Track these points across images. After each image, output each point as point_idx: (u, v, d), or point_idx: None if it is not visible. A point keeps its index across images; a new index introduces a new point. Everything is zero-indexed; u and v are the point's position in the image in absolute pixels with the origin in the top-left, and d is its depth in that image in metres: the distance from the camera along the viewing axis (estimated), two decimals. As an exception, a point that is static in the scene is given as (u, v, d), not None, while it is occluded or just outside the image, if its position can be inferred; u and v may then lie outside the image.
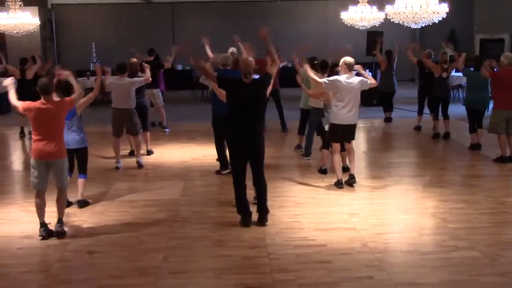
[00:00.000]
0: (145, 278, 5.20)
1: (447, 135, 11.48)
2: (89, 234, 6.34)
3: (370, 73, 17.94)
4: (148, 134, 10.37)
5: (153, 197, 7.71)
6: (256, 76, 6.68)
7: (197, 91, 19.35)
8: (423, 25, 13.06)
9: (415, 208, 7.14)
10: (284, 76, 14.54)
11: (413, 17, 12.39)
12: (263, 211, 6.54)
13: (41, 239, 6.13)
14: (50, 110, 6.06)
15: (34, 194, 6.31)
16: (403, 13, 12.47)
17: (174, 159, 10.02)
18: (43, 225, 6.23)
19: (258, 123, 6.43)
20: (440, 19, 12.53)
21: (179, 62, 20.39)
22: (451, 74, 12.15)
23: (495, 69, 10.09)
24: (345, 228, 6.38)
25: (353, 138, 8.09)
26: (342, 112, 7.75)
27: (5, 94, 16.08)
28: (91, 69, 20.75)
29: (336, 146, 8.06)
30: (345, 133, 7.94)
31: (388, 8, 13.09)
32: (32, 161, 6.18)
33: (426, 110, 12.23)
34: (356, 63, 7.97)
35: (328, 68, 9.21)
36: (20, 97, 6.67)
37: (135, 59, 10.26)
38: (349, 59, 7.84)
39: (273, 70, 6.66)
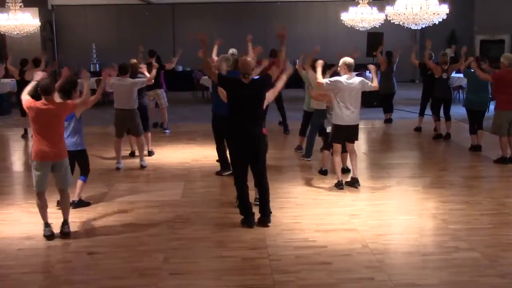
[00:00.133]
0: (145, 279, 5.20)
1: (447, 136, 11.48)
2: (89, 235, 6.34)
3: (370, 74, 17.99)
4: (149, 134, 10.37)
5: (153, 198, 7.71)
6: (256, 77, 6.70)
7: (197, 92, 19.36)
8: (423, 26, 13.08)
9: (416, 209, 7.14)
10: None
11: (413, 18, 12.42)
12: (265, 213, 6.54)
13: (47, 239, 6.13)
14: (50, 111, 6.05)
15: (34, 195, 6.30)
16: (403, 14, 12.50)
17: (175, 160, 10.02)
18: (47, 225, 6.23)
19: (257, 124, 6.42)
20: (440, 20, 12.56)
21: (180, 63, 20.39)
22: (452, 75, 12.13)
23: (483, 69, 10.04)
24: (346, 229, 6.38)
25: (356, 139, 8.10)
26: (345, 113, 7.76)
27: (6, 95, 16.18)
28: (91, 70, 20.78)
29: (337, 147, 8.06)
30: (348, 134, 7.94)
31: (388, 9, 13.12)
32: (34, 163, 6.16)
33: (428, 111, 12.23)
34: (356, 64, 7.97)
35: (327, 69, 9.22)
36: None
37: (135, 60, 10.27)
38: (349, 59, 7.84)
39: (275, 73, 6.62)
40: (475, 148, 10.34)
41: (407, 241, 6.10)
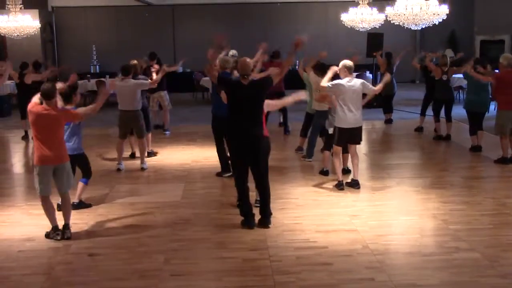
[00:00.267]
0: (146, 280, 5.20)
1: (447, 138, 11.48)
2: (90, 237, 6.34)
3: (371, 75, 18.00)
4: (149, 135, 10.38)
5: (154, 200, 7.71)
6: (256, 78, 6.71)
7: (197, 94, 19.36)
8: (423, 27, 13.09)
9: (416, 209, 7.14)
10: (287, 78, 14.56)
11: (413, 18, 12.42)
12: (266, 214, 6.53)
13: (58, 240, 6.13)
14: (50, 116, 6.05)
15: (35, 197, 6.33)
16: (403, 15, 12.51)
17: (175, 161, 10.03)
18: (56, 228, 6.22)
19: (257, 124, 6.42)
20: (440, 20, 12.56)
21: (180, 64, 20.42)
22: (452, 76, 12.12)
23: (480, 73, 10.04)
24: (346, 230, 6.38)
25: (360, 140, 8.10)
26: (348, 115, 7.76)
27: (6, 96, 16.18)
28: (91, 71, 20.81)
29: (338, 149, 8.06)
30: (352, 136, 7.95)
31: (388, 9, 13.12)
32: (37, 168, 6.16)
33: (429, 112, 12.24)
34: (356, 65, 7.98)
35: (327, 70, 9.23)
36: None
37: (135, 61, 10.28)
38: (348, 62, 7.87)
39: (276, 78, 6.65)
40: (476, 149, 10.34)
41: (408, 241, 6.10)
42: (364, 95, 8.08)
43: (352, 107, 7.76)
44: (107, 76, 18.07)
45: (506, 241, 6.09)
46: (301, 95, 7.16)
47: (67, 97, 6.69)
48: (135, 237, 6.28)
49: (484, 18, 20.87)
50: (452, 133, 11.56)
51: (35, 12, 18.34)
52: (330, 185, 8.14)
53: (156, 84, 10.00)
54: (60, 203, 6.69)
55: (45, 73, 12.35)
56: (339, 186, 7.95)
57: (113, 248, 5.99)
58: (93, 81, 17.55)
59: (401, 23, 12.95)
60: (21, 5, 15.01)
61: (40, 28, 16.56)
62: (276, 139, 11.53)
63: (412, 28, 13.49)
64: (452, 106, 11.68)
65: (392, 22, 13.20)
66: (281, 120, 12.74)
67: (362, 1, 16.01)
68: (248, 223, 6.47)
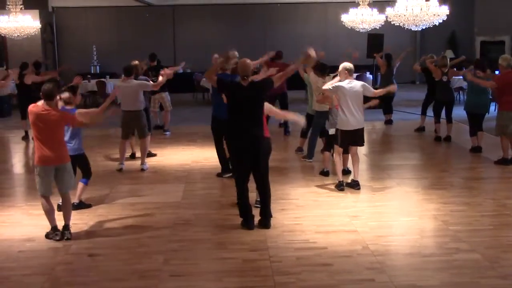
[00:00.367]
0: (146, 281, 5.20)
1: (448, 139, 11.48)
2: (90, 237, 6.33)
3: (371, 76, 18.01)
4: (149, 136, 10.37)
5: (154, 200, 7.71)
6: (256, 80, 6.72)
7: (197, 94, 19.37)
8: (424, 28, 13.10)
9: (416, 210, 7.14)
10: (289, 78, 14.57)
11: (414, 19, 12.43)
12: (266, 216, 6.52)
13: (57, 240, 6.13)
14: (50, 116, 6.05)
15: (35, 197, 6.33)
16: (404, 16, 12.51)
17: (175, 162, 10.03)
18: (56, 229, 6.21)
19: (257, 124, 6.41)
20: (441, 21, 12.56)
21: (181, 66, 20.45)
22: (452, 77, 12.12)
23: (481, 77, 10.04)
24: (346, 231, 6.38)
25: (363, 142, 8.10)
26: (350, 117, 7.77)
27: (6, 97, 16.19)
28: (92, 72, 20.82)
29: (339, 149, 8.06)
30: (355, 138, 7.94)
31: (389, 10, 13.13)
32: (38, 168, 6.16)
33: (430, 113, 12.25)
34: (356, 66, 7.99)
35: (327, 70, 9.26)
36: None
37: (137, 61, 10.31)
38: (348, 64, 7.88)
39: (278, 81, 6.65)
40: (476, 150, 10.33)
41: (408, 242, 6.10)
42: (365, 98, 8.07)
43: (353, 109, 7.76)
44: (107, 77, 18.10)
45: (507, 242, 6.08)
46: (301, 121, 7.19)
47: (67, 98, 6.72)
48: (135, 238, 6.27)
49: (484, 19, 20.88)
50: (452, 134, 11.56)
51: (36, 12, 18.35)
52: (331, 186, 8.14)
53: (159, 87, 10.03)
54: (60, 203, 6.69)
55: (45, 75, 12.35)
56: (340, 187, 7.95)
57: (113, 248, 5.98)
58: (93, 81, 17.57)
59: (401, 24, 12.95)
60: (21, 6, 15.02)
61: (40, 28, 16.56)
62: (277, 140, 11.52)
63: (412, 29, 13.50)
64: (452, 107, 11.68)
65: (392, 23, 13.21)
66: (282, 121, 12.74)
67: (363, 1, 16.01)
68: (247, 224, 6.47)
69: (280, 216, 6.82)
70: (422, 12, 12.20)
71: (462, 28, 21.61)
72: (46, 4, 21.36)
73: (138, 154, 10.00)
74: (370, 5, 16.13)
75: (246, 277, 5.24)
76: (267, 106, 6.67)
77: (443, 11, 12.34)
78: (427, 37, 21.66)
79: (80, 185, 7.26)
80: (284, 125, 12.45)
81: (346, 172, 8.64)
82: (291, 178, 8.75)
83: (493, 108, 12.39)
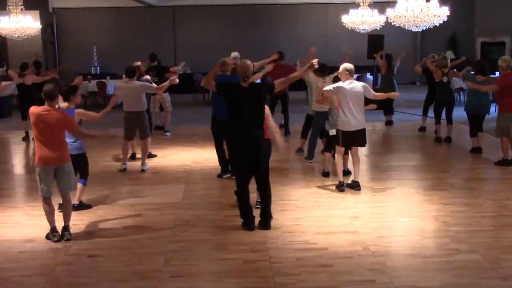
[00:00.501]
0: (146, 281, 5.19)
1: (448, 139, 11.47)
2: (90, 238, 6.33)
3: (371, 77, 18.00)
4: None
5: (154, 201, 7.71)
6: (257, 81, 6.72)
7: (198, 95, 19.37)
8: (424, 29, 13.09)
9: (417, 211, 7.13)
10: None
11: (414, 20, 12.42)
12: (266, 217, 6.51)
13: (55, 242, 6.13)
14: (51, 116, 6.05)
15: (35, 198, 6.33)
16: (404, 17, 12.50)
17: (176, 162, 10.03)
18: (54, 229, 6.21)
19: (257, 124, 6.41)
20: (441, 22, 12.55)
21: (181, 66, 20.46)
22: (453, 78, 12.13)
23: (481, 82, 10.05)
24: (347, 232, 6.37)
25: (364, 143, 8.09)
26: (351, 118, 7.76)
27: (7, 97, 16.19)
28: (92, 72, 20.82)
29: (341, 149, 8.06)
30: (356, 139, 7.94)
31: (389, 11, 13.12)
32: (38, 168, 6.16)
33: (431, 113, 12.27)
34: (357, 66, 7.99)
35: (327, 71, 9.26)
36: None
37: (139, 62, 10.32)
38: (349, 65, 7.89)
39: (279, 86, 6.66)
40: (476, 150, 10.33)
41: (408, 243, 6.09)
42: (367, 100, 8.07)
43: (354, 110, 7.76)
44: (108, 77, 18.11)
45: (507, 243, 6.08)
46: (282, 145, 7.09)
47: (66, 97, 6.73)
48: (135, 238, 6.27)
49: (484, 20, 20.88)
50: (453, 135, 11.56)
51: (36, 13, 18.36)
52: (331, 186, 8.14)
53: (162, 91, 10.07)
54: (61, 203, 6.69)
55: (46, 75, 12.35)
56: (340, 187, 7.94)
57: (113, 249, 5.98)
58: (93, 82, 17.57)
59: (401, 25, 12.94)
60: (22, 6, 15.02)
61: (41, 29, 16.56)
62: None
63: (412, 30, 13.49)
64: (452, 108, 11.68)
65: (392, 24, 13.20)
66: (282, 122, 12.73)
67: (363, 2, 16.00)
68: (247, 225, 6.46)
69: (281, 217, 6.82)
70: (423, 13, 12.19)
71: (463, 29, 21.62)
72: (46, 5, 21.37)
73: (138, 155, 10.00)
74: (371, 6, 16.12)
75: (246, 278, 5.24)
76: (266, 111, 6.67)
77: (444, 12, 12.33)
78: (427, 38, 21.67)
79: (79, 186, 7.26)
80: (285, 126, 12.44)
81: (346, 173, 8.63)
82: (291, 179, 8.75)
83: (493, 109, 12.37)
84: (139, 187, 8.52)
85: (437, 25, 12.80)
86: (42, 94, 6.13)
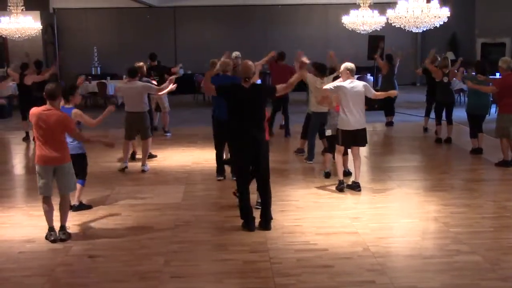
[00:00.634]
0: (146, 282, 5.19)
1: (448, 140, 11.47)
2: (90, 238, 6.33)
3: (372, 77, 18.00)
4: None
5: (154, 201, 7.71)
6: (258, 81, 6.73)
7: (198, 95, 19.37)
8: (425, 29, 13.08)
9: (417, 212, 7.13)
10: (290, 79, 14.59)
11: (415, 21, 12.40)
12: (266, 218, 6.51)
13: (51, 243, 6.12)
14: (51, 115, 6.05)
15: (35, 198, 6.33)
16: (405, 17, 12.48)
17: (176, 163, 10.02)
18: (52, 229, 6.21)
19: (258, 125, 6.41)
20: (442, 23, 12.54)
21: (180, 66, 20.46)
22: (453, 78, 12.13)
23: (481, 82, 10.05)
24: (347, 232, 6.37)
25: (365, 142, 8.09)
26: (351, 118, 7.76)
27: (7, 98, 16.17)
28: (93, 73, 20.82)
29: (341, 148, 8.06)
30: (356, 138, 7.94)
31: (390, 12, 13.11)
32: (38, 167, 6.17)
33: (432, 114, 12.29)
34: (357, 67, 7.99)
35: (326, 71, 9.27)
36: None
37: (141, 63, 10.33)
38: (350, 64, 7.88)
39: (281, 91, 6.69)
40: (476, 151, 10.33)
41: (409, 244, 6.09)
42: (368, 100, 8.06)
43: (354, 109, 7.76)
44: (108, 78, 18.11)
45: (507, 244, 6.08)
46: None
47: (65, 97, 6.74)
48: (135, 239, 6.27)
49: (485, 21, 20.87)
50: (453, 135, 11.56)
51: (37, 13, 18.35)
52: (331, 187, 8.13)
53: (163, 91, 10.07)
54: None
55: (46, 74, 12.36)
56: (340, 186, 7.94)
57: (114, 250, 5.98)
58: (94, 82, 17.58)
59: (402, 26, 12.93)
60: (22, 7, 15.01)
61: (41, 29, 16.55)
62: (277, 142, 11.55)
63: (413, 31, 13.47)
64: (453, 109, 11.68)
65: (393, 24, 13.18)
66: (283, 122, 12.73)
67: (363, 3, 16.00)
68: (248, 226, 6.46)
69: (281, 218, 6.82)
70: (423, 14, 12.17)
71: (463, 30, 21.61)
72: (47, 5, 21.37)
73: (138, 155, 10.00)
74: (371, 6, 16.12)
75: (247, 279, 5.24)
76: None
77: (444, 13, 12.32)
78: (428, 39, 21.65)
79: (78, 186, 7.23)
80: (285, 127, 12.44)
81: (346, 173, 8.63)
82: (292, 180, 8.75)
83: (493, 110, 12.38)
84: (139, 187, 8.52)
85: (438, 26, 12.79)
86: (44, 93, 6.13)
